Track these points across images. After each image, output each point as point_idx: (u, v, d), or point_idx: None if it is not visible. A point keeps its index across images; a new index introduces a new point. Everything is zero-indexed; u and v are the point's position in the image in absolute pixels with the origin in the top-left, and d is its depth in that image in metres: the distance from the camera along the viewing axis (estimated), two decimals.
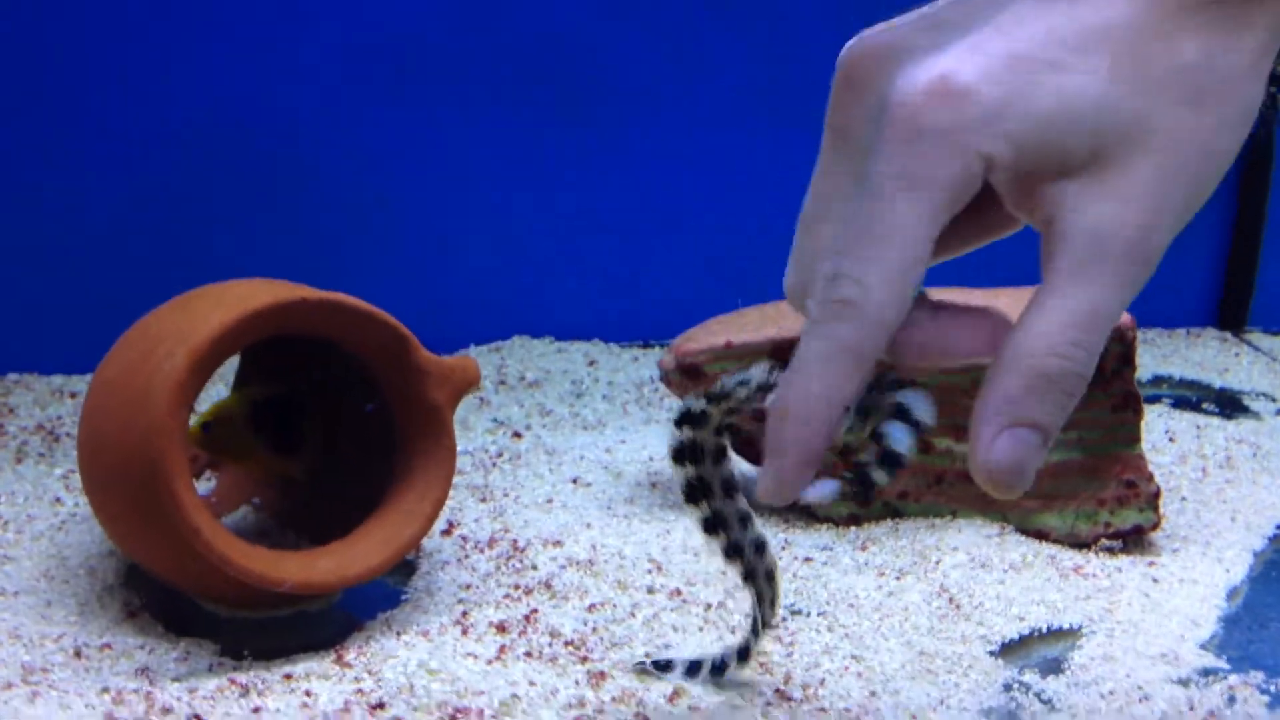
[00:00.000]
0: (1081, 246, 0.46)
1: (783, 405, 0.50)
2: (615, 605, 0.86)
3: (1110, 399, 0.95)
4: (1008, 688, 0.77)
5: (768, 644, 0.81)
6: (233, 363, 1.02)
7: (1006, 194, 0.49)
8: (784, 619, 0.84)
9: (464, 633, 0.82)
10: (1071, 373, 0.47)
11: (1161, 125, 0.46)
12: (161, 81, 1.30)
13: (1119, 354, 0.95)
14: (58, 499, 1.01)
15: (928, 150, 0.46)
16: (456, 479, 1.05)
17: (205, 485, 1.00)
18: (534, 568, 0.91)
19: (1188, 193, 0.47)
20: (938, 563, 0.92)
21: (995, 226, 0.55)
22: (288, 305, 0.80)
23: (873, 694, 0.75)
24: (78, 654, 0.78)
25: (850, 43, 0.51)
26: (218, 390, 1.15)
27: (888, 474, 0.56)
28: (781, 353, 0.97)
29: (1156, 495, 0.95)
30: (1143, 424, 0.97)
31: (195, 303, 0.83)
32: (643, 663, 0.77)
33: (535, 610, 0.85)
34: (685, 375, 0.99)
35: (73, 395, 1.24)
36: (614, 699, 0.74)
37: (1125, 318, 0.95)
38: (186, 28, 1.29)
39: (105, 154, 1.30)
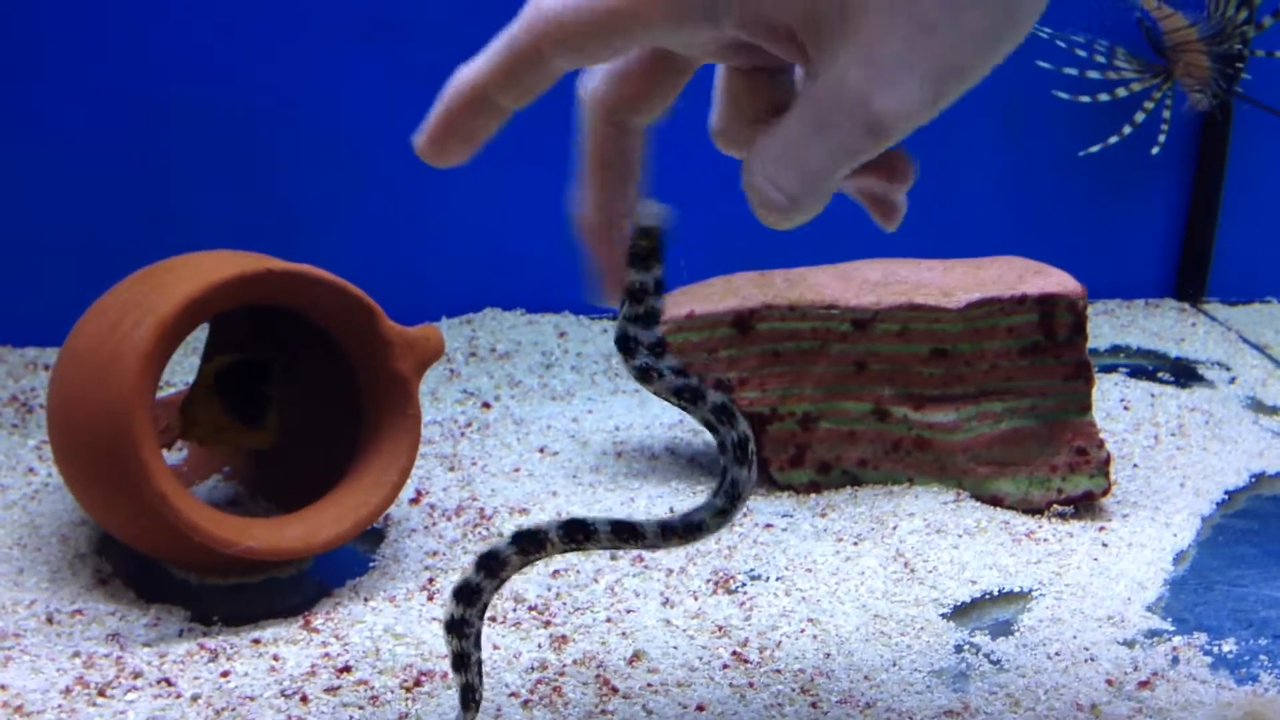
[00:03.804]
0: (806, 98, 0.48)
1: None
2: (578, 571, 0.87)
3: (1062, 367, 0.98)
4: (959, 649, 0.79)
5: (728, 608, 0.83)
6: (202, 333, 1.03)
7: (767, 43, 0.49)
8: (744, 584, 0.86)
9: (430, 598, 0.84)
10: (761, 204, 0.50)
11: None
12: (127, 50, 1.30)
13: (1071, 324, 0.97)
14: (30, 469, 1.02)
15: None
16: (426, 448, 1.07)
17: (177, 455, 1.02)
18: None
19: (929, 65, 0.46)
20: (894, 528, 0.94)
21: None
22: (253, 276, 0.82)
23: (827, 656, 0.77)
24: (50, 620, 0.80)
25: None
26: (190, 363, 1.16)
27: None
28: (743, 322, 0.99)
29: (1107, 462, 0.98)
30: (1094, 392, 0.99)
31: (162, 274, 0.84)
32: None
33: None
34: None
35: (46, 367, 1.24)
36: (575, 661, 0.76)
37: (1076, 287, 0.98)
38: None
39: (74, 125, 1.31)
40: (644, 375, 0.58)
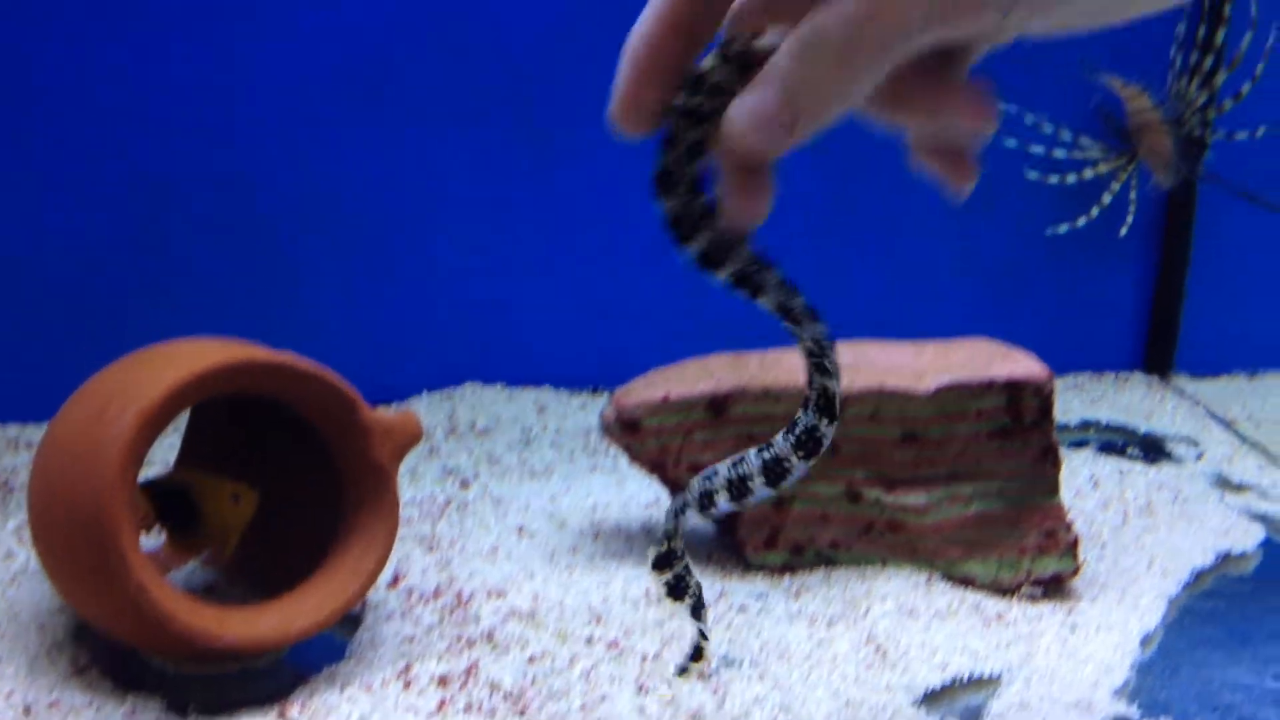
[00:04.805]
0: (797, 37, 0.46)
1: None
2: (554, 657, 0.88)
3: (1030, 450, 0.99)
4: None
5: (701, 694, 0.84)
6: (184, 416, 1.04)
7: None
8: (715, 670, 0.87)
9: (406, 686, 0.84)
10: (746, 149, 0.48)
11: None
12: (118, 126, 1.32)
13: (1037, 408, 0.99)
14: (10, 553, 1.03)
15: None
16: (404, 529, 1.08)
17: (156, 540, 1.02)
18: (477, 619, 0.94)
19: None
20: (867, 611, 0.95)
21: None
22: (236, 366, 0.83)
23: None
24: (27, 711, 0.80)
25: None
26: (171, 441, 1.17)
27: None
28: (718, 405, 1.01)
29: (1075, 543, 0.99)
30: (1061, 474, 1.01)
31: (145, 362, 0.86)
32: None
33: (476, 662, 0.87)
34: (625, 429, 1.02)
35: (28, 446, 1.25)
36: None
37: (1041, 372, 1.00)
38: (135, 75, 1.31)
39: (61, 201, 1.32)
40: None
